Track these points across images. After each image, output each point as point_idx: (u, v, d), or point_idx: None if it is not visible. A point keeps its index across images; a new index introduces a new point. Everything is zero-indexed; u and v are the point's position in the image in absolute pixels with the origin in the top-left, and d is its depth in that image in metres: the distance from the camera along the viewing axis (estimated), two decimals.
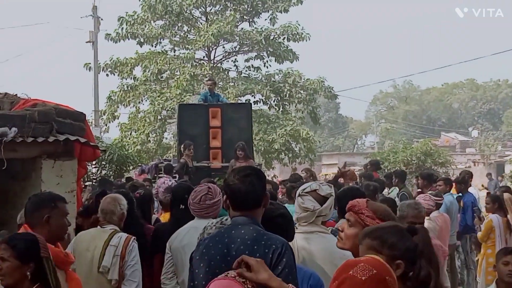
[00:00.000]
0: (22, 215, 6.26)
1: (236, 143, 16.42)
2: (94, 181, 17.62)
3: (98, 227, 6.85)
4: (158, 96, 33.39)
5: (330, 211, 5.61)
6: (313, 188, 5.57)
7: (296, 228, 5.36)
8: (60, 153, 7.47)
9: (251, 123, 19.24)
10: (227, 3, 35.68)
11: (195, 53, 35.01)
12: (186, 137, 17.12)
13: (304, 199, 5.50)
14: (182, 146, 16.43)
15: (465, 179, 14.39)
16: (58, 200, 5.52)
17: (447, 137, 71.40)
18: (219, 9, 36.40)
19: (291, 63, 35.70)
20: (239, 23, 35.99)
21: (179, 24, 36.02)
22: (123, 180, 17.12)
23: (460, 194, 14.07)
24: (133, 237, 6.60)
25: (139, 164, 20.44)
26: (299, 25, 35.04)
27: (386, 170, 22.84)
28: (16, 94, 8.41)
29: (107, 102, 35.16)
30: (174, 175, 16.12)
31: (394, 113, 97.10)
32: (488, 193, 14.34)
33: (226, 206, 4.58)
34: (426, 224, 9.49)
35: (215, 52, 36.97)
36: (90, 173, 17.25)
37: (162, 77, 35.40)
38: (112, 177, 18.32)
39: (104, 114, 34.89)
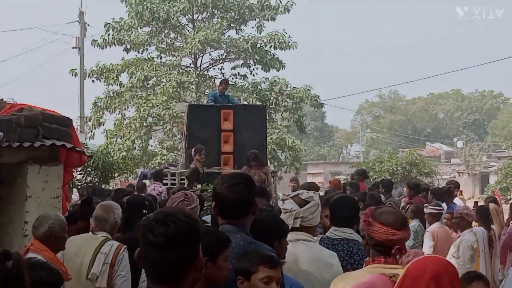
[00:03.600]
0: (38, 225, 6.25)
1: (249, 147, 15.63)
2: (79, 187, 17.51)
3: (90, 233, 6.81)
4: (144, 103, 33.35)
5: (313, 216, 5.59)
6: (295, 193, 5.62)
7: None
8: (46, 158, 7.41)
9: (266, 126, 18.37)
10: (214, 10, 35.68)
11: (181, 60, 35.03)
12: (196, 141, 16.04)
13: (285, 202, 5.55)
14: (193, 150, 15.24)
15: (450, 190, 14.33)
16: None
17: (432, 147, 71.61)
18: (206, 16, 36.42)
19: (278, 71, 35.74)
20: (226, 30, 35.99)
21: (166, 31, 36.00)
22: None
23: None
24: (124, 246, 6.53)
25: (125, 171, 20.33)
26: (286, 33, 35.09)
27: (371, 180, 22.88)
28: (2, 99, 8.35)
29: (92, 108, 35.03)
30: (181, 181, 15.57)
31: (379, 122, 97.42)
32: (475, 202, 14.21)
33: (215, 213, 4.57)
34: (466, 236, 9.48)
35: (201, 60, 36.97)
36: (75, 179, 17.12)
37: (148, 84, 35.35)
38: (97, 183, 18.22)
39: (90, 121, 34.77)
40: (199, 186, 14.01)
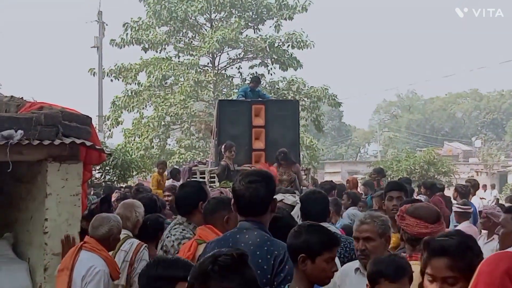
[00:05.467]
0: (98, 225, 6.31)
1: (281, 144, 15.03)
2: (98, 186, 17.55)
3: None
4: (162, 102, 33.54)
5: (298, 218, 5.69)
6: (279, 198, 5.68)
7: None
8: (66, 156, 7.45)
9: (298, 122, 17.45)
10: (232, 10, 35.76)
11: (199, 59, 35.16)
12: (226, 137, 15.46)
13: None
14: (223, 146, 14.78)
15: (467, 189, 14.15)
16: None
17: (450, 146, 71.17)
18: (224, 16, 36.51)
19: (295, 70, 35.82)
20: (244, 30, 36.06)
21: (184, 30, 36.13)
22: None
23: None
24: (145, 245, 6.59)
25: (143, 170, 20.38)
26: (304, 32, 35.14)
27: (389, 179, 22.85)
28: (22, 97, 8.41)
29: (111, 107, 35.24)
30: (211, 179, 15.05)
31: (397, 122, 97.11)
32: (497, 200, 13.81)
33: (234, 210, 4.61)
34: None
35: (219, 59, 37.09)
36: (94, 178, 17.20)
37: (166, 83, 35.49)
38: (115, 182, 18.30)
39: (108, 120, 34.95)
40: (217, 184, 13.84)
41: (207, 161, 18.30)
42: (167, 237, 6.04)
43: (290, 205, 5.69)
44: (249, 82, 18.15)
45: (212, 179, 15.09)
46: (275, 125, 16.04)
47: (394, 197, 7.18)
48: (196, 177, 15.92)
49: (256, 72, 35.75)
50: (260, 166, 14.28)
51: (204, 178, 15.61)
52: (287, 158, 14.46)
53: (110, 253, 6.35)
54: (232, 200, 4.62)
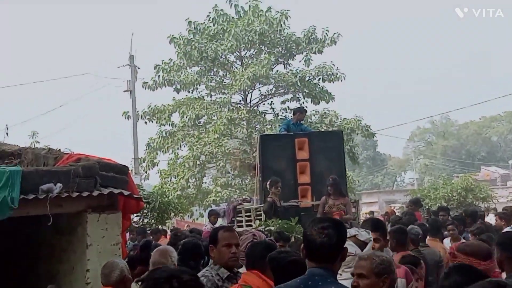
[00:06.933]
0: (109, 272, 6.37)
1: (328, 177, 14.29)
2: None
3: None
4: (197, 141, 33.61)
5: None
6: (352, 233, 5.64)
7: (340, 275, 5.36)
8: (105, 206, 7.59)
9: (344, 153, 17.09)
10: (261, 46, 35.86)
11: (231, 97, 35.23)
12: (270, 173, 15.08)
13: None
14: (268, 183, 14.28)
15: (510, 213, 14.05)
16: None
17: (487, 171, 70.50)
18: (254, 52, 36.59)
19: (327, 103, 35.73)
20: (274, 65, 36.08)
21: (215, 69, 36.27)
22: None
23: None
24: None
25: (180, 211, 20.38)
26: (334, 65, 35.16)
27: (427, 207, 22.71)
28: (59, 149, 8.57)
29: (146, 149, 35.48)
30: (257, 217, 14.53)
31: (432, 148, 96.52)
32: None
33: (303, 256, 4.57)
34: None
35: (251, 96, 37.10)
36: (132, 221, 17.26)
37: (199, 122, 35.61)
38: (154, 225, 18.33)
39: (144, 162, 35.16)
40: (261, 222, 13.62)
41: (251, 198, 17.84)
42: None
43: (363, 241, 5.63)
44: (293, 114, 17.85)
45: (258, 217, 14.64)
46: (320, 158, 15.64)
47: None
48: (241, 216, 15.66)
49: (288, 107, 35.80)
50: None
51: (249, 216, 15.24)
52: (336, 185, 14.01)
53: None
54: (302, 245, 4.60)
